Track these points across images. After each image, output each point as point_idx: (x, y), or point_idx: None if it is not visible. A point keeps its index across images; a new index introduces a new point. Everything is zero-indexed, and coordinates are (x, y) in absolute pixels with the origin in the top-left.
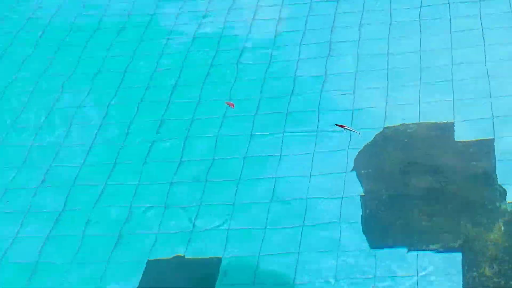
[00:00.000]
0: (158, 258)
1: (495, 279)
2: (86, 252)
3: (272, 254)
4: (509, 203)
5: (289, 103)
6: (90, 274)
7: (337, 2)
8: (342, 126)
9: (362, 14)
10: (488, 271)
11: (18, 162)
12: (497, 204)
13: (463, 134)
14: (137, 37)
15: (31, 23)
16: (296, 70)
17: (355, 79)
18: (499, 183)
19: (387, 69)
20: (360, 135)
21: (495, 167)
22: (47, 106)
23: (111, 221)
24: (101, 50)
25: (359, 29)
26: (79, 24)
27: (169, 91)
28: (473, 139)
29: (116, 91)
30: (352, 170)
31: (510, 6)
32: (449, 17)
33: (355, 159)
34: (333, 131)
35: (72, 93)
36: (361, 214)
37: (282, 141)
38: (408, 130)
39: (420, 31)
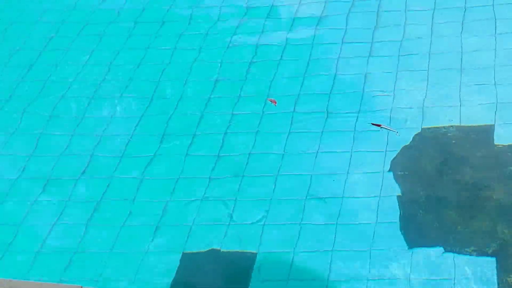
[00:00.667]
0: (193, 251)
1: None
2: (124, 242)
3: (307, 251)
4: None
5: (328, 101)
6: (126, 264)
7: (380, 1)
8: (378, 125)
9: (405, 13)
10: None
11: (59, 151)
12: None
13: (503, 137)
14: (177, 32)
15: (74, 14)
16: (336, 69)
17: (396, 79)
18: None
19: (428, 69)
20: (398, 134)
21: None
22: (88, 96)
23: (149, 213)
24: (143, 42)
25: (401, 29)
26: (122, 16)
27: (210, 86)
28: None
29: (156, 85)
30: (390, 170)
31: None
32: (494, 18)
33: (393, 159)
34: (371, 130)
35: (114, 84)
36: (397, 215)
37: (320, 139)
38: (448, 133)
39: (462, 32)
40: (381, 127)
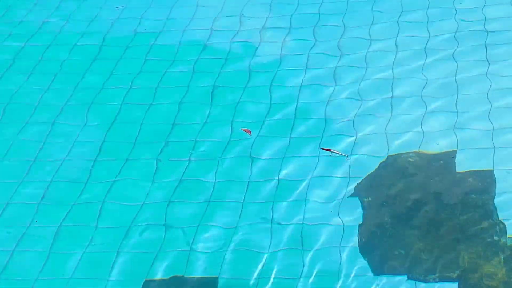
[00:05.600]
0: (154, 278)
1: None
2: (84, 269)
3: (270, 277)
4: (509, 237)
5: (291, 128)
6: None
7: (344, 28)
8: (328, 150)
9: (370, 42)
10: None
11: (20, 176)
12: (496, 237)
13: (464, 164)
14: (142, 56)
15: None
16: (299, 96)
17: (359, 106)
18: (499, 216)
19: (392, 96)
20: (347, 158)
21: (494, 199)
22: (49, 121)
23: (110, 240)
24: (107, 66)
25: (364, 56)
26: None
27: (174, 111)
28: (473, 170)
29: (119, 109)
30: (353, 197)
31: None
32: (453, 51)
33: (356, 186)
34: (335, 158)
35: (74, 110)
36: (359, 242)
37: (281, 165)
38: (409, 159)
39: (426, 57)
40: (331, 152)
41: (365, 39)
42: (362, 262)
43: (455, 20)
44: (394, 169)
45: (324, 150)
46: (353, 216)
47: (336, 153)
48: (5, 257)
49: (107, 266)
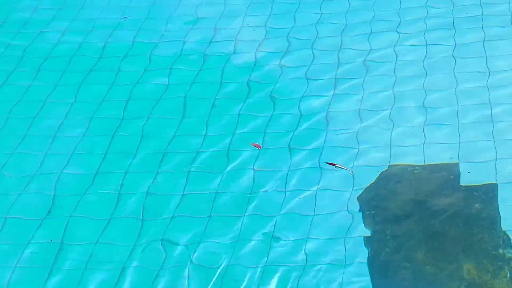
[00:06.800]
0: None
1: None
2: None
3: None
4: None
5: (291, 138)
6: None
7: (343, 37)
8: (333, 164)
9: (369, 53)
10: None
11: (19, 189)
12: (502, 250)
13: (467, 177)
14: (139, 68)
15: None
16: (300, 106)
17: (360, 117)
18: (503, 229)
19: (392, 108)
20: (352, 173)
21: (499, 212)
22: (49, 134)
23: (112, 255)
24: (106, 78)
25: (363, 65)
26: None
27: (176, 123)
28: (477, 183)
29: (120, 121)
30: (356, 210)
31: None
32: (453, 67)
33: (359, 198)
34: (337, 170)
35: (74, 122)
36: (364, 255)
37: (286, 178)
38: (414, 171)
39: (425, 71)
40: (336, 167)
41: (363, 50)
42: (365, 276)
43: None
44: (398, 181)
45: (329, 165)
46: (356, 229)
47: (341, 167)
48: (9, 269)
49: (112, 282)
